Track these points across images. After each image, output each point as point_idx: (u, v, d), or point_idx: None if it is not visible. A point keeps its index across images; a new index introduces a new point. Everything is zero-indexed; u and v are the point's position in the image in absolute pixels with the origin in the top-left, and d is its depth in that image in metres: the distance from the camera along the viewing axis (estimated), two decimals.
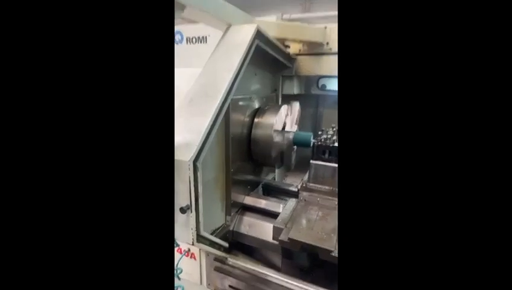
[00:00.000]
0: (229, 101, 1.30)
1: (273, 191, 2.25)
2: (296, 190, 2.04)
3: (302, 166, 3.08)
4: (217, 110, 1.21)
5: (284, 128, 1.97)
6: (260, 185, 2.24)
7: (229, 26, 1.48)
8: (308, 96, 2.76)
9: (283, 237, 1.33)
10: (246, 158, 1.91)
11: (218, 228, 1.71)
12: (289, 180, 3.02)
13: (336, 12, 0.67)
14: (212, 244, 1.40)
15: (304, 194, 1.70)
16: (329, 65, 2.26)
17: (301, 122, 3.06)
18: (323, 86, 2.64)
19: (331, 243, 1.21)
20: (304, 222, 1.43)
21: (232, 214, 1.82)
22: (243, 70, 1.37)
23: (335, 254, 1.17)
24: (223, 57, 1.35)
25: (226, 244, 1.48)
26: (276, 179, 2.60)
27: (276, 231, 1.48)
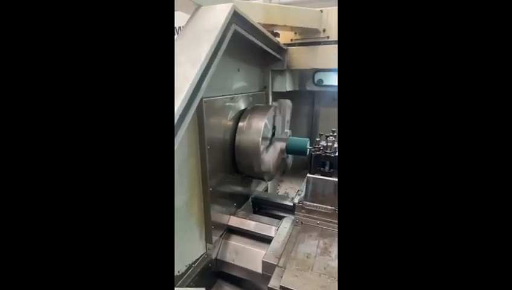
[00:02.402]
0: (196, 103, 0.97)
1: (265, 206, 1.93)
2: (291, 204, 1.73)
3: (298, 170, 2.79)
4: (177, 117, 0.88)
5: (274, 132, 1.65)
6: (250, 199, 1.92)
7: (198, 8, 1.14)
8: (303, 93, 2.43)
9: (274, 282, 1.02)
10: (230, 169, 1.59)
11: (197, 260, 1.40)
12: (284, 187, 2.71)
13: None
14: None
15: (301, 216, 1.39)
16: (327, 56, 1.93)
17: (296, 123, 2.75)
18: (320, 81, 2.32)
19: None
20: (300, 256, 1.12)
21: (216, 239, 1.50)
22: (215, 63, 1.04)
23: None
24: (188, 47, 1.02)
25: None
26: (268, 190, 2.28)
27: (267, 267, 1.18)
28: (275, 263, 1.13)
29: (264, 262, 1.18)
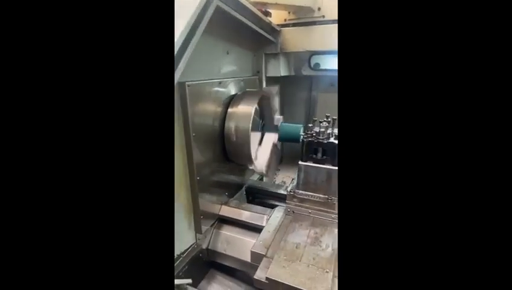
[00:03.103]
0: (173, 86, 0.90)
1: (259, 195, 1.89)
2: (286, 193, 1.68)
3: (295, 158, 2.71)
4: None
5: (264, 123, 1.58)
6: (243, 188, 1.87)
7: None
8: (299, 78, 2.33)
9: (260, 273, 0.97)
10: (220, 158, 1.53)
11: (186, 250, 1.37)
12: (281, 176, 2.66)
13: None
14: None
15: (292, 205, 1.33)
16: (323, 37, 1.82)
17: (292, 111, 2.66)
18: (317, 64, 2.21)
19: (325, 286, 0.86)
20: (289, 247, 1.07)
21: (206, 228, 1.47)
22: (193, 43, 0.96)
23: None
24: None
25: (189, 281, 1.13)
26: (264, 179, 2.22)
27: (255, 257, 1.14)
28: (263, 253, 1.09)
29: (252, 252, 1.14)
